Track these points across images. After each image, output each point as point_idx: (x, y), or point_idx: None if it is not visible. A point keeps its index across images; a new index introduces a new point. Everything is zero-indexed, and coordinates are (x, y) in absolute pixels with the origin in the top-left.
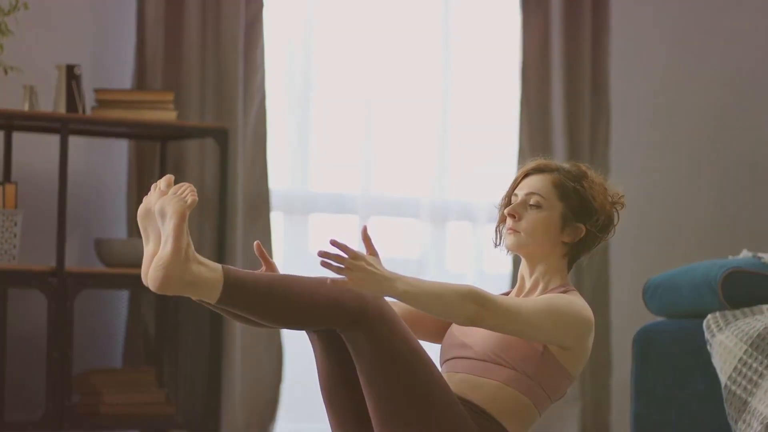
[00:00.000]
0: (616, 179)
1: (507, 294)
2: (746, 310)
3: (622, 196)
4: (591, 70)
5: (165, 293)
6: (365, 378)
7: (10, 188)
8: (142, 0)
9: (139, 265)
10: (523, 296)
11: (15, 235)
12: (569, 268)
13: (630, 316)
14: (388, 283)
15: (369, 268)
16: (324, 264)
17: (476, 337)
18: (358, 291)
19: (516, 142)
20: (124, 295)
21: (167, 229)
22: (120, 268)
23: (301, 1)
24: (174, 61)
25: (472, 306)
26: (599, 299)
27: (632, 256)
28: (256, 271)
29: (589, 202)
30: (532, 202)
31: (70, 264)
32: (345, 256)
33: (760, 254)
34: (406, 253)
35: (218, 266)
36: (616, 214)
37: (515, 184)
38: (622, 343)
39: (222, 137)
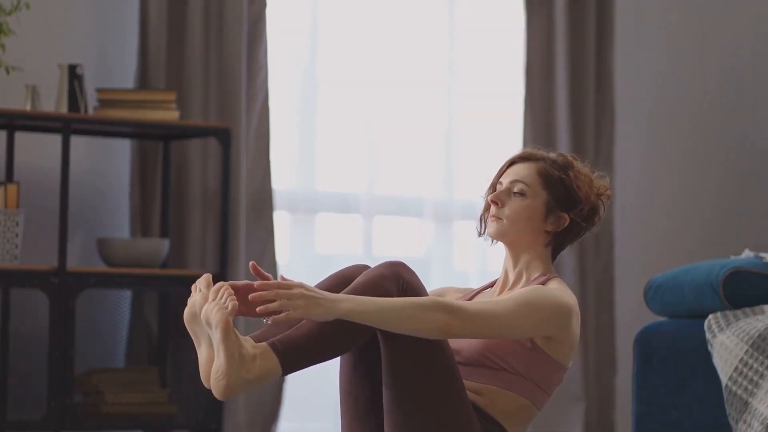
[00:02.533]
0: (620, 178)
1: (488, 288)
2: (747, 310)
3: (608, 188)
4: (595, 69)
5: (234, 397)
6: (390, 366)
7: (12, 188)
8: None
9: (140, 265)
10: (508, 290)
11: (17, 235)
12: (553, 258)
13: (635, 315)
14: (332, 304)
15: (309, 293)
16: (262, 311)
17: (463, 341)
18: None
19: (520, 141)
20: (126, 295)
21: (216, 338)
22: (122, 267)
23: (305, 0)
24: (177, 61)
25: (440, 316)
26: (604, 299)
27: (637, 256)
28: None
29: (574, 192)
30: (516, 190)
31: (73, 264)
32: (280, 291)
33: (761, 254)
34: (411, 253)
35: (266, 347)
36: (601, 205)
37: (500, 173)
38: (626, 342)
39: (224, 136)
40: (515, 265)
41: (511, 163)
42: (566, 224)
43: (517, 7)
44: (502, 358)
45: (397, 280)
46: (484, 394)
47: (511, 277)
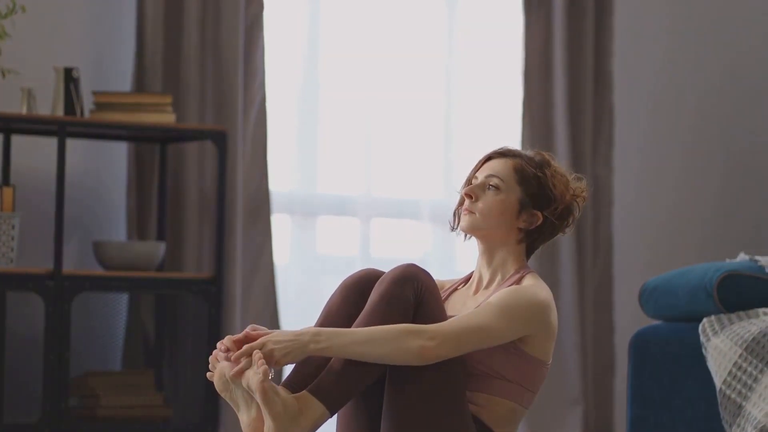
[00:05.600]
0: (618, 180)
1: (462, 284)
2: (742, 313)
3: (584, 190)
4: (594, 70)
5: None
6: (397, 378)
7: (7, 191)
8: (141, 2)
9: (136, 268)
10: (483, 288)
11: (12, 238)
12: (527, 256)
13: (633, 318)
14: (301, 347)
15: (283, 340)
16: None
17: None
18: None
19: (519, 142)
20: (122, 298)
21: (260, 402)
22: (118, 271)
23: (302, 3)
24: (173, 64)
25: (416, 341)
26: (602, 301)
27: (636, 258)
28: (328, 360)
29: (549, 190)
30: (491, 183)
31: (69, 267)
32: (255, 353)
33: (757, 257)
34: (409, 255)
35: (307, 395)
36: (576, 206)
37: (477, 168)
38: (625, 344)
39: (221, 139)
40: (489, 262)
41: (488, 158)
42: (539, 222)
43: (515, 7)
44: (485, 363)
45: (413, 282)
46: (473, 401)
47: (486, 276)
